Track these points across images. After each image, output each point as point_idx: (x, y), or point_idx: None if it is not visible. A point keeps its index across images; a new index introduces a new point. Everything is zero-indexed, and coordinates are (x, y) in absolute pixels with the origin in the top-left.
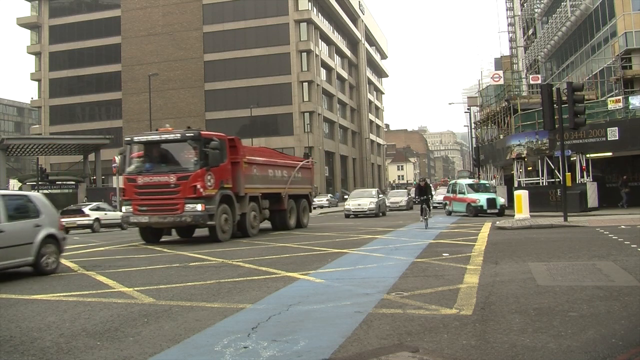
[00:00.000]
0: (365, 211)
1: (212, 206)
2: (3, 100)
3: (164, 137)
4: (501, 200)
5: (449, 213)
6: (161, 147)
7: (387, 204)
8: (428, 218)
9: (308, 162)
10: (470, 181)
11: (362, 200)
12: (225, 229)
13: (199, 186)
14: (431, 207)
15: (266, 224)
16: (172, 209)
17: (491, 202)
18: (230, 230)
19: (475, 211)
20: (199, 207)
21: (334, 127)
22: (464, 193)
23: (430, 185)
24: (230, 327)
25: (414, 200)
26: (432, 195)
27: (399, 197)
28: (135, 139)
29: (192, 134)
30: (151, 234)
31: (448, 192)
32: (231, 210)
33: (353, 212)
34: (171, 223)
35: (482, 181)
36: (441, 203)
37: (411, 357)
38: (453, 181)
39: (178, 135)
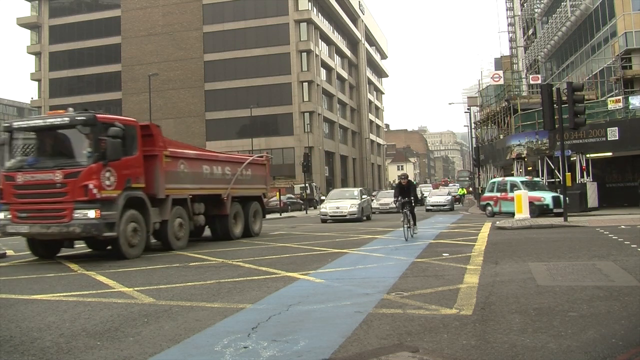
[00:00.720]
0: (345, 215)
1: (112, 212)
2: (3, 100)
3: (49, 122)
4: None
5: (493, 214)
6: (49, 135)
7: (376, 206)
8: (412, 227)
9: (261, 157)
10: (524, 178)
11: (341, 202)
12: (134, 242)
13: (91, 186)
14: (415, 213)
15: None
16: (57, 216)
17: (557, 201)
18: (143, 243)
19: (540, 211)
20: (92, 213)
21: (334, 127)
22: None
23: (415, 183)
24: (230, 327)
25: (395, 201)
26: (415, 197)
27: (389, 198)
28: (15, 124)
29: (83, 118)
30: (42, 248)
31: (492, 191)
32: (143, 217)
33: (330, 216)
34: (57, 234)
35: (535, 179)
36: (436, 205)
37: (411, 357)
38: (498, 179)
39: (66, 120)
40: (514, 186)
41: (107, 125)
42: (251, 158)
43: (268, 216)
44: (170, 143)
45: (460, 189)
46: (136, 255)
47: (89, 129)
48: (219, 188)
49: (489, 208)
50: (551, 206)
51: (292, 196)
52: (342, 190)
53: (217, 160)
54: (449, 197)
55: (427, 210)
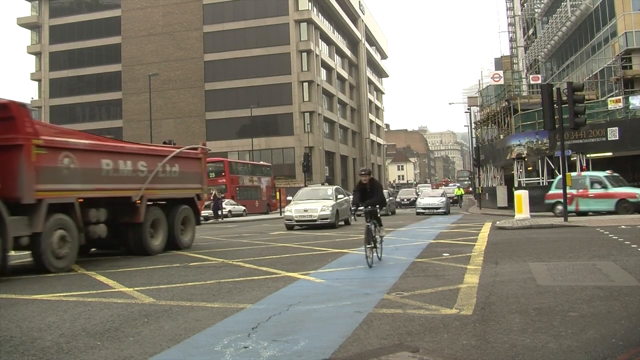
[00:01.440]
0: (315, 220)
1: None
2: None
3: None
4: None
5: (563, 215)
6: None
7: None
8: (377, 246)
9: (195, 149)
10: (606, 173)
11: (311, 204)
12: None
13: None
14: (382, 222)
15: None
16: None
17: None
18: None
19: (635, 208)
20: None
21: (334, 127)
22: (606, 187)
23: (380, 183)
24: (231, 327)
25: (354, 210)
26: (381, 202)
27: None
28: None
29: None
30: None
31: (570, 188)
32: None
33: (297, 221)
34: None
35: (615, 174)
36: (428, 208)
37: (411, 357)
38: (572, 174)
39: None
40: (595, 182)
41: None
42: (178, 150)
43: (271, 216)
44: (47, 129)
45: (457, 189)
46: None
47: None
48: (129, 189)
49: (559, 207)
50: None
51: None
52: (312, 189)
53: (124, 152)
54: (444, 199)
55: (418, 213)
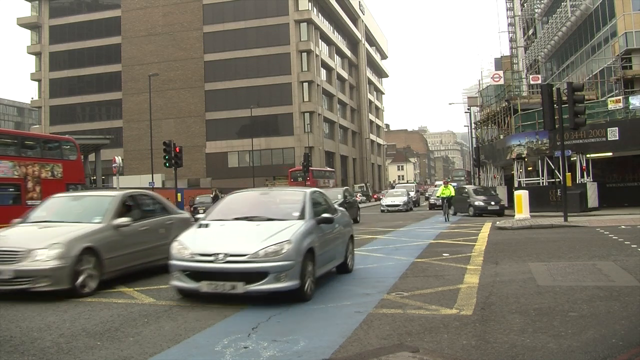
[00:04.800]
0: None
1: None
2: (3, 101)
3: None
4: None
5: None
6: None
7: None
8: None
9: None
10: None
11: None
12: None
13: None
14: None
15: None
16: None
17: None
18: None
19: None
20: None
21: (334, 127)
22: None
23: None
24: (231, 327)
25: None
26: None
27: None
28: None
29: None
30: None
31: None
32: None
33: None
34: None
35: None
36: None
37: (411, 357)
38: None
39: None
40: None
41: None
42: None
43: None
44: None
45: (443, 188)
46: None
47: None
48: None
49: None
50: None
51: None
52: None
53: None
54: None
55: (180, 290)
